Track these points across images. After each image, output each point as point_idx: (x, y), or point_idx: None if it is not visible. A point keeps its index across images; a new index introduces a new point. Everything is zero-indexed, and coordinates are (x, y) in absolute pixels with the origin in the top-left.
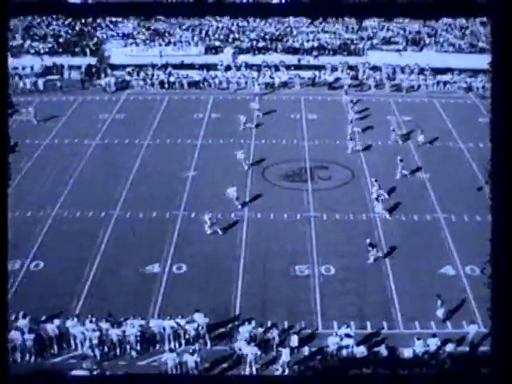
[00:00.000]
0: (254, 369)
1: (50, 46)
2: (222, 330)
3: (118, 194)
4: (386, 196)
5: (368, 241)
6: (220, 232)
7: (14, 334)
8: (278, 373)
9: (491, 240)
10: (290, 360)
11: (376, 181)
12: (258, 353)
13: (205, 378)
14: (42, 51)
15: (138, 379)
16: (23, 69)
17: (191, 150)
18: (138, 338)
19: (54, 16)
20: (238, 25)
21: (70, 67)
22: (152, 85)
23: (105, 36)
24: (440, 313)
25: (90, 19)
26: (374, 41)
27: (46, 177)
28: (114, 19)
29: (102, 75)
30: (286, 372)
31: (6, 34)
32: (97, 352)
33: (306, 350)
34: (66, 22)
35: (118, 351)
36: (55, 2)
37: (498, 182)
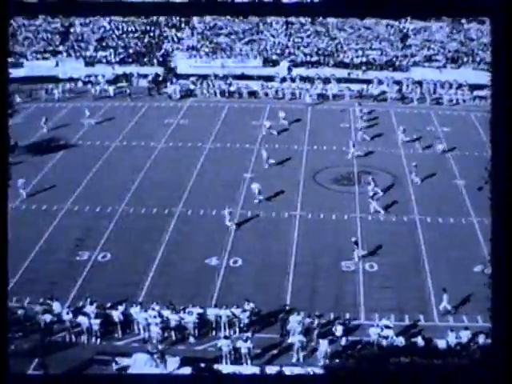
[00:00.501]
0: (300, 356)
1: (120, 56)
2: (272, 319)
3: (181, 192)
4: (381, 193)
5: (353, 239)
6: (234, 227)
7: (81, 319)
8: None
9: (491, 240)
10: (328, 350)
11: (373, 179)
12: (305, 341)
13: (206, 378)
14: (113, 61)
15: (138, 379)
16: (96, 76)
17: (249, 153)
18: (196, 325)
19: (123, 29)
20: (293, 41)
21: (139, 76)
22: (214, 93)
23: (171, 48)
24: (442, 306)
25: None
26: (417, 58)
27: (114, 176)
28: (179, 34)
29: (168, 84)
30: (322, 362)
31: (6, 34)
32: (158, 337)
33: (349, 339)
34: (136, 35)
35: (177, 336)
36: (55, 1)
37: (498, 182)
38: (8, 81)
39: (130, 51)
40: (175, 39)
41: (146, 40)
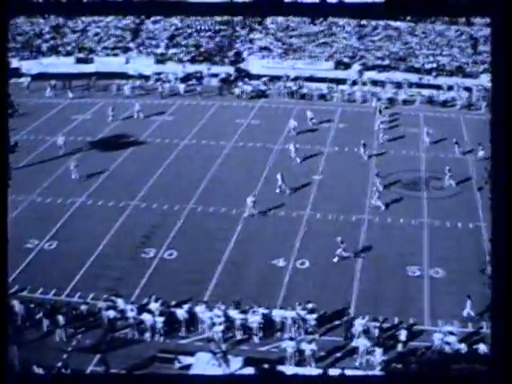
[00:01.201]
0: (364, 359)
1: (191, 54)
2: (337, 322)
3: (250, 193)
4: (381, 188)
5: (339, 239)
6: (255, 213)
7: (146, 316)
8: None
9: (491, 240)
10: (382, 357)
11: (377, 175)
12: (369, 345)
13: (207, 377)
14: (183, 59)
15: (138, 379)
16: (166, 74)
17: (319, 155)
18: (261, 326)
19: (195, 27)
20: (364, 44)
21: (210, 75)
22: (285, 95)
23: (243, 48)
24: (466, 312)
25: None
26: (487, 65)
27: (183, 174)
28: (252, 35)
29: (239, 83)
30: (379, 366)
31: (6, 34)
32: (222, 336)
33: (413, 344)
34: (207, 34)
35: (241, 337)
36: (55, 1)
37: (498, 182)
38: (8, 80)
39: (202, 50)
40: (247, 39)
41: (217, 39)
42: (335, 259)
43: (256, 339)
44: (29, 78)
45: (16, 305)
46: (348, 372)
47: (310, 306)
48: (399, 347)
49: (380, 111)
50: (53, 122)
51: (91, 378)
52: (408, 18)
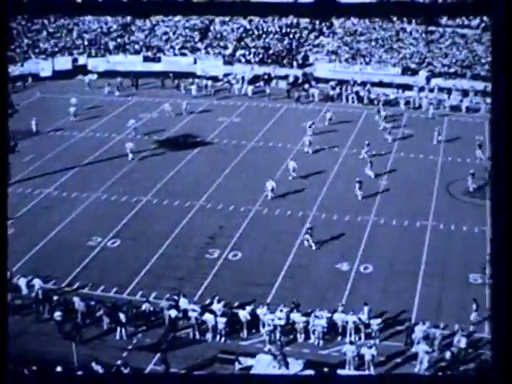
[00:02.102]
0: (424, 366)
1: (260, 56)
2: (398, 327)
3: (316, 196)
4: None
5: (308, 225)
6: (271, 196)
7: (208, 317)
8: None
9: (491, 240)
10: (441, 365)
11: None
12: (429, 351)
13: (208, 377)
14: (252, 61)
15: (138, 379)
16: (234, 75)
17: (385, 160)
18: (323, 329)
19: (263, 29)
20: (432, 51)
21: (278, 77)
22: (352, 100)
23: (311, 51)
24: (472, 316)
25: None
26: None
27: (249, 175)
28: (321, 38)
29: (307, 86)
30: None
31: (6, 34)
32: (283, 339)
33: (473, 352)
34: (275, 36)
35: (302, 339)
36: (55, 1)
37: (498, 182)
38: (8, 80)
39: (270, 52)
40: (316, 43)
41: (286, 41)
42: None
43: (317, 342)
44: (95, 76)
45: (76, 302)
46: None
47: (367, 309)
48: (458, 354)
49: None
50: (119, 119)
51: (94, 378)
52: (406, 18)
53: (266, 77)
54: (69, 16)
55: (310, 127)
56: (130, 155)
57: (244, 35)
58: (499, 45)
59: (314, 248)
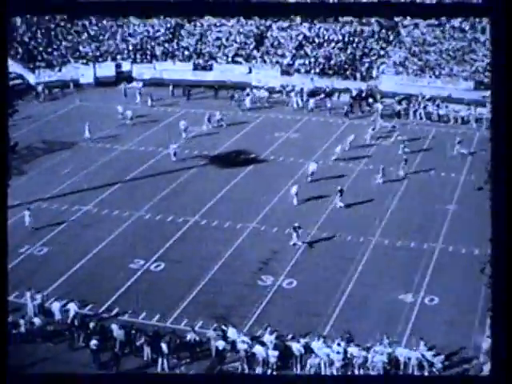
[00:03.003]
0: None
1: (320, 67)
2: (465, 366)
3: (379, 222)
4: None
5: (296, 224)
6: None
7: (258, 349)
8: None
9: (491, 240)
10: None
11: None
12: None
13: (208, 377)
14: (312, 71)
15: (138, 379)
16: (293, 87)
17: (453, 183)
18: (385, 365)
19: (324, 37)
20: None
21: (339, 90)
22: (420, 116)
23: (376, 62)
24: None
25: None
26: None
27: (306, 196)
28: (387, 48)
29: (371, 101)
30: None
31: (6, 34)
32: (339, 373)
33: None
34: (337, 45)
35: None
36: (55, 1)
37: (498, 182)
38: (8, 80)
39: (332, 62)
40: (381, 53)
41: (348, 51)
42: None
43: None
44: (141, 83)
45: (115, 329)
46: None
47: (428, 345)
48: None
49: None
50: (166, 132)
51: (94, 378)
52: (405, 18)
53: (327, 89)
54: (69, 16)
55: (371, 143)
56: (177, 171)
57: (303, 43)
58: (499, 45)
59: (298, 243)
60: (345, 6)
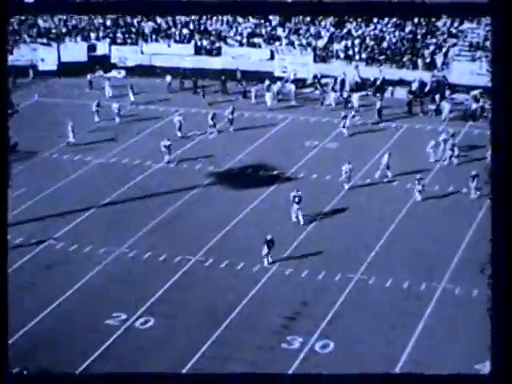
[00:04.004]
0: None
1: (368, 51)
2: None
3: (447, 265)
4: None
5: (269, 237)
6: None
7: None
8: None
9: (491, 240)
10: None
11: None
12: None
13: (208, 377)
14: (357, 57)
15: (138, 379)
16: (334, 79)
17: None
18: None
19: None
20: None
21: (393, 82)
22: None
23: (444, 44)
24: None
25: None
26: None
27: (348, 228)
28: (462, 25)
29: (437, 97)
30: None
31: (6, 34)
32: None
33: None
34: (391, 22)
35: None
36: (55, 1)
37: (498, 181)
38: (8, 80)
39: (383, 45)
40: (453, 31)
41: (407, 29)
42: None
43: None
44: (122, 72)
45: None
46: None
47: None
48: None
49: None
50: (158, 139)
51: (94, 378)
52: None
53: (377, 81)
54: (71, 15)
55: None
56: (173, 193)
57: (344, 19)
58: (499, 45)
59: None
60: (349, 5)
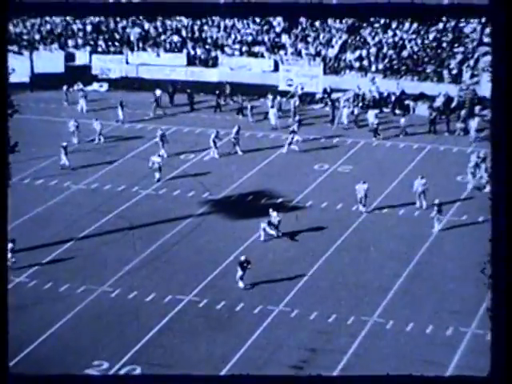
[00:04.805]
0: None
1: (386, 61)
2: None
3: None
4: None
5: (242, 258)
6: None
7: None
8: None
9: (491, 240)
10: None
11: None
12: None
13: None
14: (372, 69)
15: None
16: (344, 93)
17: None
18: None
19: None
20: None
21: (416, 97)
22: None
23: (473, 53)
24: None
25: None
26: None
27: (361, 264)
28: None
29: (462, 113)
30: None
31: (6, 34)
32: None
33: None
34: (413, 29)
35: None
36: (56, 1)
37: (498, 182)
38: (8, 80)
39: (404, 54)
40: (484, 40)
41: (430, 37)
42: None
43: None
44: (105, 85)
45: None
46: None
47: None
48: None
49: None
50: (144, 162)
51: (94, 379)
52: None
53: (401, 97)
54: (70, 16)
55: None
56: (160, 224)
57: (360, 24)
58: (499, 45)
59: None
60: (344, 7)
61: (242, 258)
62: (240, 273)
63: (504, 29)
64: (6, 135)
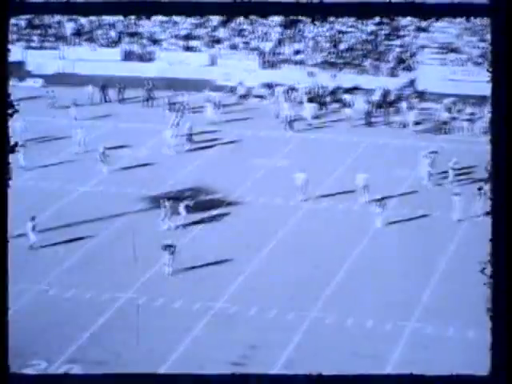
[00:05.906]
0: None
1: (324, 54)
2: None
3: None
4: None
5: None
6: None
7: None
8: None
9: (491, 240)
10: None
11: None
12: None
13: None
14: (310, 62)
15: (138, 379)
16: (283, 87)
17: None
18: None
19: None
20: None
21: (352, 90)
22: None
23: (411, 47)
24: None
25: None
26: None
27: (303, 258)
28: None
29: (404, 105)
30: None
31: (6, 34)
32: None
33: None
34: (350, 21)
35: None
36: (56, 1)
37: (498, 181)
38: (8, 80)
39: (341, 47)
40: (422, 27)
41: (369, 29)
42: None
43: None
44: (39, 81)
45: None
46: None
47: None
48: None
49: None
50: (83, 158)
51: (94, 378)
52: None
53: (340, 91)
54: (71, 15)
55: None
56: (99, 221)
57: (296, 19)
58: (499, 45)
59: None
60: (342, 6)
61: (167, 241)
62: (168, 258)
63: (504, 29)
64: (6, 135)
